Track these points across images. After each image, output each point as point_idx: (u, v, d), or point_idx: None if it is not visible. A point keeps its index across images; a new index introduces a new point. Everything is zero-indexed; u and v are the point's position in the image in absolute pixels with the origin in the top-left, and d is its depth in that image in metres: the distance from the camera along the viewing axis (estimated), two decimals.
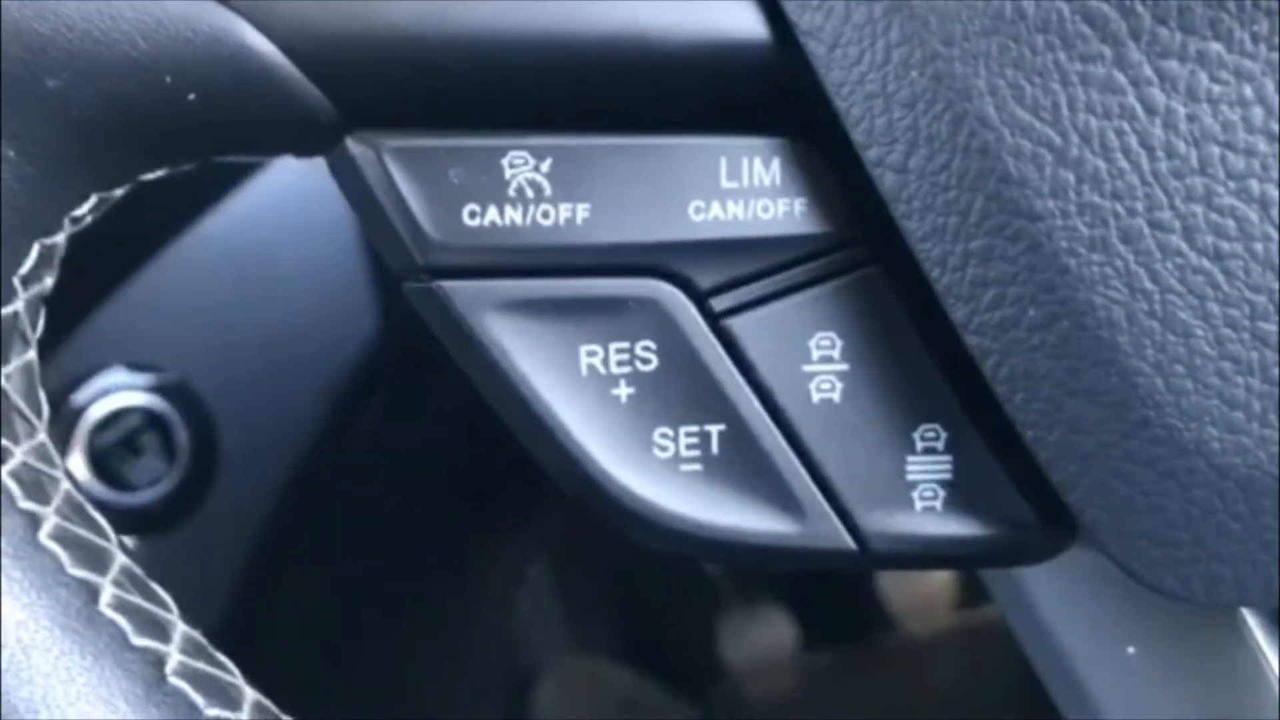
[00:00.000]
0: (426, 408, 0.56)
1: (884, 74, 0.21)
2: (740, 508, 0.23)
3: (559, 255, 0.22)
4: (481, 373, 0.22)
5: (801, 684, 0.70)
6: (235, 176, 0.52)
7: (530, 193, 0.22)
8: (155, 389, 0.52)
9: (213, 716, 0.21)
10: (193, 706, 0.20)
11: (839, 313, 0.23)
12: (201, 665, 0.21)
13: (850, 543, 0.23)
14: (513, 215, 0.22)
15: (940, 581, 0.70)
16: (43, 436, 0.22)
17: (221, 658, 0.22)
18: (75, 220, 0.22)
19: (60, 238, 0.22)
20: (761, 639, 0.70)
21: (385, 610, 0.59)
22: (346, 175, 0.22)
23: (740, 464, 0.23)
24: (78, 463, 0.50)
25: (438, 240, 0.22)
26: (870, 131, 0.21)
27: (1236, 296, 0.20)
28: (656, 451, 0.23)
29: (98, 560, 0.21)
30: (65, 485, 0.22)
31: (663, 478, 0.23)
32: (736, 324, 0.22)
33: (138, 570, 0.22)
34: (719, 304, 0.22)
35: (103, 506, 0.53)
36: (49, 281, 0.22)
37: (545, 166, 0.22)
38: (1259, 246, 0.20)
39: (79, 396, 0.51)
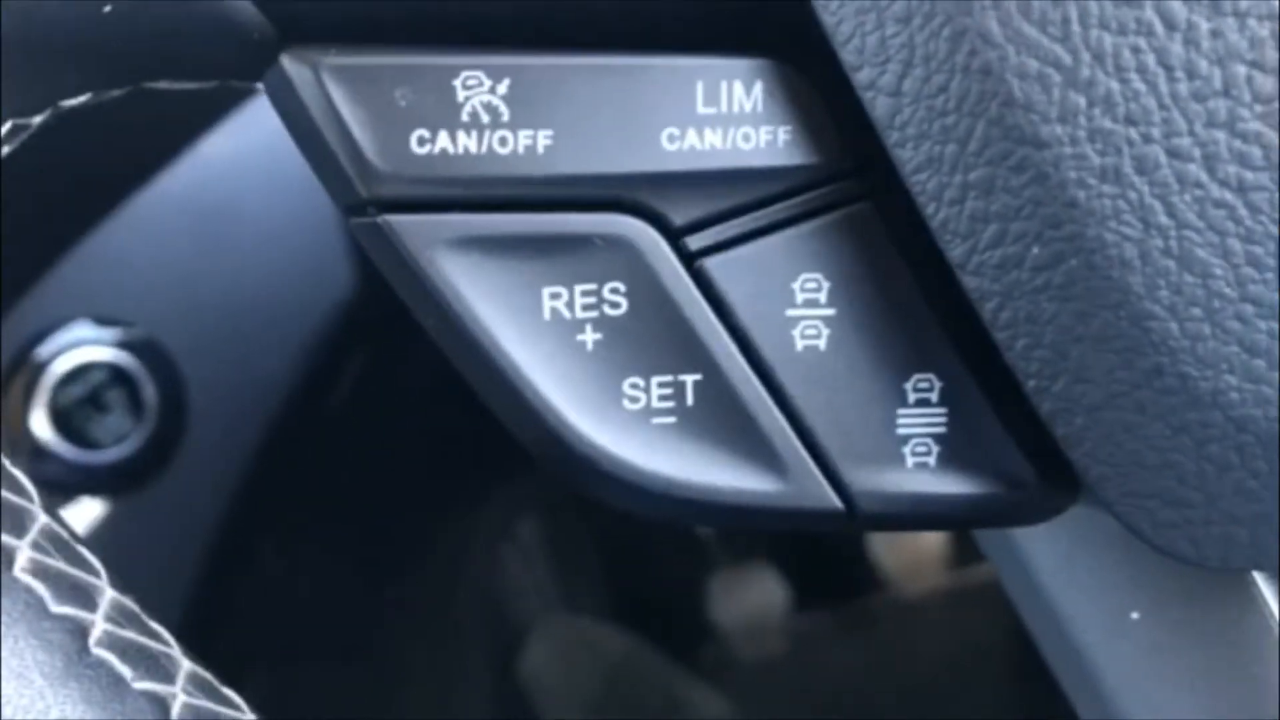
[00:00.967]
0: (407, 361, 0.55)
1: None
2: (717, 464, 0.22)
3: (518, 187, 0.21)
4: (434, 317, 0.21)
5: (792, 645, 0.71)
6: (200, 124, 0.52)
7: (486, 117, 0.20)
8: (122, 344, 0.51)
9: (142, 689, 0.20)
10: (118, 679, 0.19)
11: (826, 252, 0.22)
12: (131, 634, 0.20)
13: (836, 502, 0.22)
14: (466, 143, 0.20)
15: (933, 541, 0.71)
16: None
17: (155, 626, 0.21)
18: None
19: None
20: (752, 599, 0.71)
21: (364, 570, 0.59)
22: (283, 98, 0.20)
23: (717, 417, 0.22)
24: (40, 419, 0.49)
25: (384, 170, 0.20)
26: (861, 50, 0.20)
27: (1261, 232, 0.19)
28: (626, 403, 0.22)
29: (14, 522, 0.20)
30: None
31: (633, 432, 0.22)
32: (713, 264, 0.22)
33: (63, 532, 0.21)
34: (694, 242, 0.22)
35: (67, 465, 0.52)
36: None
37: (502, 88, 0.20)
38: None
39: (42, 350, 0.50)
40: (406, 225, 0.21)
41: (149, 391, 0.51)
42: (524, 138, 0.21)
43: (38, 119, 0.21)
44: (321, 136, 0.20)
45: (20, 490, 0.21)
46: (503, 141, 0.20)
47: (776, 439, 0.22)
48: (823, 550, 0.72)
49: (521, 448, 0.23)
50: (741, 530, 0.64)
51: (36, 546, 0.20)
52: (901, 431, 0.22)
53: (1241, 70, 0.18)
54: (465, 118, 0.20)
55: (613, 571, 0.72)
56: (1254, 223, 0.19)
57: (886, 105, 0.20)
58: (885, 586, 0.72)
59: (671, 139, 0.21)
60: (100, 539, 0.50)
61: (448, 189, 0.21)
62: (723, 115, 0.21)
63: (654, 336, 0.22)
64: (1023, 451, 0.22)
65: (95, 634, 0.19)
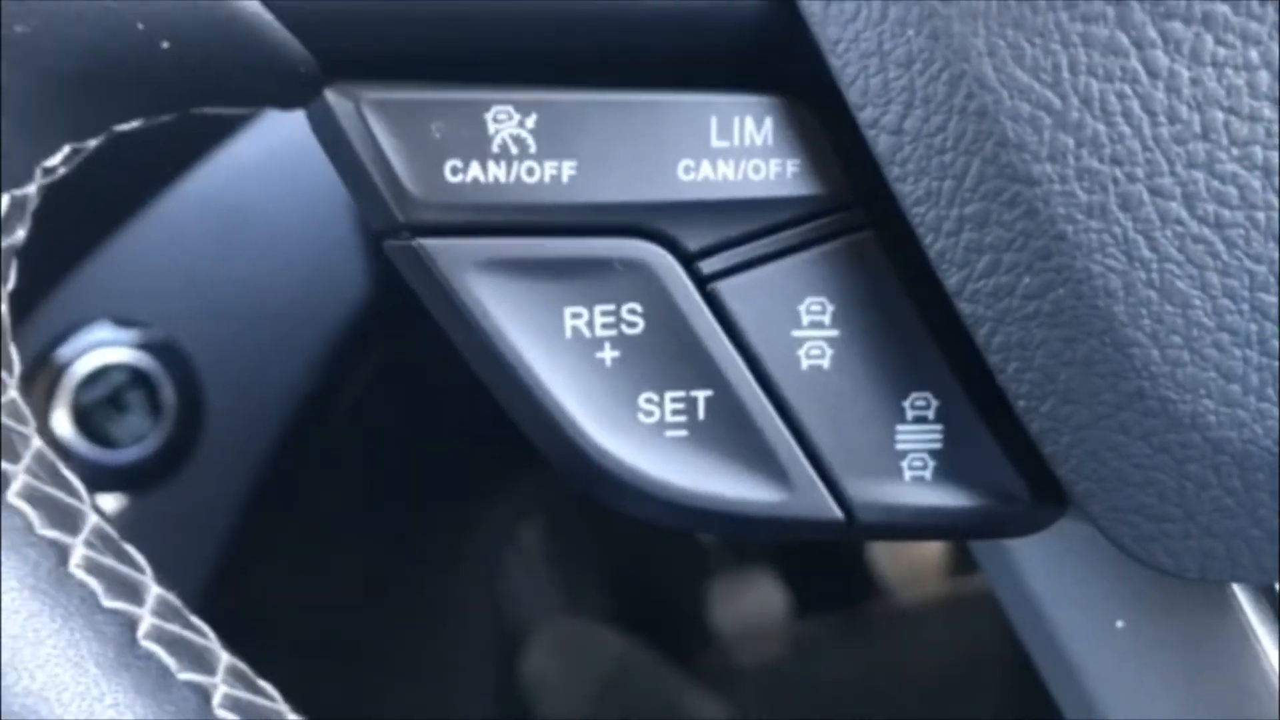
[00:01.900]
0: (416, 367, 0.55)
1: (880, 31, 0.20)
2: (726, 475, 0.23)
3: (544, 214, 0.22)
4: (463, 333, 0.22)
5: (792, 650, 0.70)
6: (221, 130, 0.52)
7: (514, 149, 0.21)
8: (141, 345, 0.51)
9: (186, 680, 0.21)
10: (165, 670, 0.20)
11: (830, 277, 0.22)
12: (175, 628, 0.21)
13: (837, 512, 0.23)
14: (496, 172, 0.21)
15: (932, 550, 0.71)
16: (13, 393, 0.21)
17: (197, 621, 0.22)
18: (48, 171, 0.22)
19: (32, 188, 0.21)
20: (753, 605, 0.71)
21: (372, 570, 0.59)
22: (325, 128, 0.21)
23: (727, 431, 0.23)
24: (62, 419, 0.50)
25: (419, 197, 0.21)
26: (865, 91, 0.21)
27: (1236, 266, 0.20)
28: (641, 417, 0.23)
29: (69, 520, 0.21)
30: (37, 443, 0.21)
31: (647, 444, 0.23)
32: (725, 287, 0.22)
33: (111, 531, 0.22)
34: (707, 266, 0.22)
35: (87, 463, 0.52)
36: (21, 233, 0.22)
37: (530, 122, 0.21)
38: (1261, 215, 0.20)
39: (63, 352, 0.50)
40: (439, 248, 0.21)
41: (167, 392, 0.51)
42: (549, 168, 0.21)
43: (93, 143, 0.22)
44: (361, 165, 0.21)
45: (72, 490, 0.22)
46: (530, 171, 0.21)
47: (782, 452, 0.23)
48: (824, 557, 0.71)
49: (525, 455, 0.24)
50: (747, 538, 0.64)
51: (89, 544, 0.21)
52: (900, 447, 0.23)
53: (1219, 116, 0.19)
54: (495, 149, 0.21)
55: (614, 576, 0.72)
56: (1230, 258, 0.20)
57: (889, 142, 0.21)
58: (884, 594, 0.72)
59: (687, 170, 0.22)
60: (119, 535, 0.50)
61: (478, 215, 0.21)
62: (735, 148, 0.22)
63: (668, 354, 0.22)
64: (1014, 467, 0.23)
65: (143, 627, 0.20)
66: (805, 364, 0.23)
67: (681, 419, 0.23)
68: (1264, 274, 0.20)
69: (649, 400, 0.23)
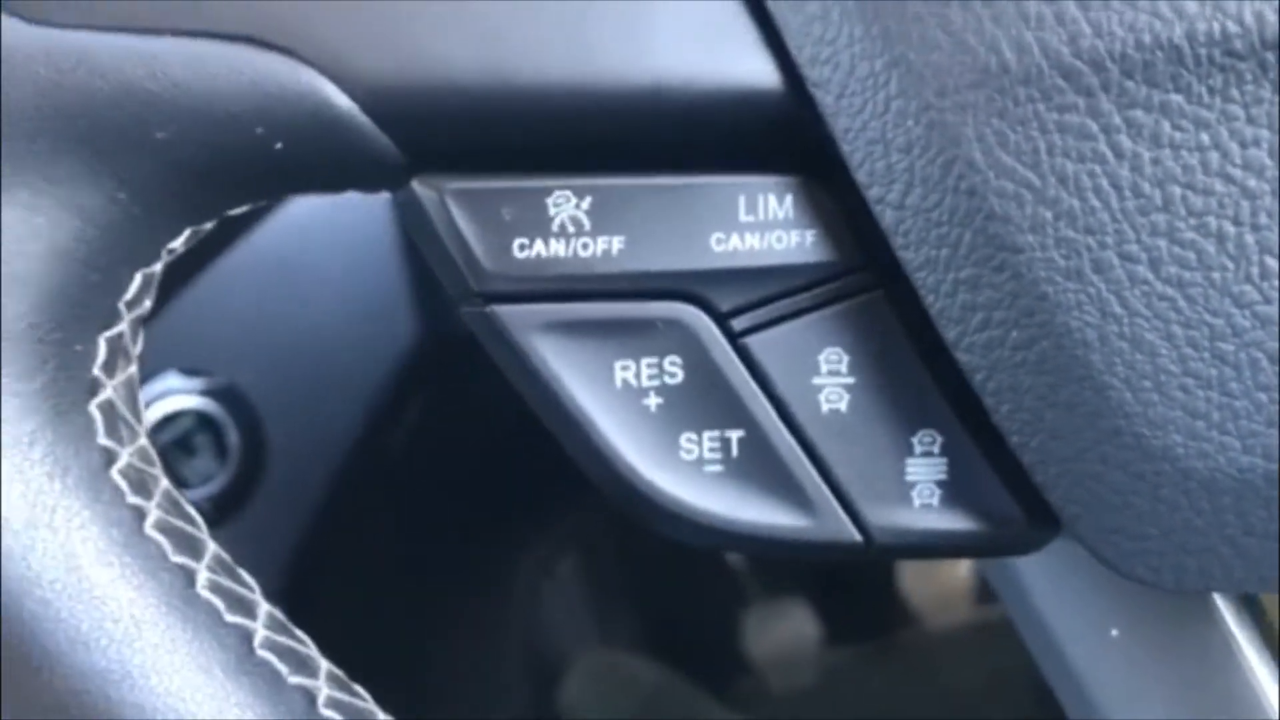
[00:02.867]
0: (460, 412, 0.57)
1: (884, 122, 0.22)
2: (758, 505, 0.24)
3: (597, 282, 0.24)
4: (528, 386, 0.24)
5: (824, 678, 0.70)
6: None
7: (572, 227, 0.23)
8: (207, 392, 0.53)
9: (295, 684, 0.23)
10: (277, 675, 0.23)
11: (846, 332, 0.24)
12: (283, 639, 0.24)
13: (856, 536, 0.25)
14: (557, 247, 0.23)
15: (959, 578, 0.70)
16: (144, 440, 0.24)
17: (300, 633, 0.24)
18: (170, 251, 0.24)
19: (158, 266, 0.24)
20: (784, 634, 0.70)
21: (418, 604, 0.59)
22: (412, 213, 0.24)
23: (758, 466, 0.24)
24: None
25: (491, 270, 0.23)
26: (872, 173, 0.22)
27: (1197, 319, 0.21)
28: (683, 454, 0.24)
29: (193, 548, 0.23)
30: (164, 482, 0.24)
31: (689, 478, 0.24)
32: (754, 342, 0.24)
33: (226, 557, 0.24)
34: (738, 324, 0.24)
35: None
36: (148, 304, 0.25)
37: (585, 204, 0.23)
38: (1216, 275, 0.21)
39: None
40: (508, 313, 0.24)
41: (232, 436, 0.53)
42: (602, 242, 0.23)
43: (209, 225, 0.24)
44: (442, 243, 0.23)
45: (193, 522, 0.24)
46: (585, 246, 0.23)
47: (806, 484, 0.24)
48: (853, 586, 0.70)
49: (565, 494, 0.26)
50: (778, 559, 0.63)
51: (210, 568, 0.23)
52: (909, 478, 0.24)
53: (1177, 190, 0.21)
54: (555, 228, 0.23)
55: (648, 608, 0.71)
56: (1191, 312, 0.22)
57: (893, 216, 0.22)
58: (914, 622, 0.71)
59: (719, 241, 0.23)
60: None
61: (541, 284, 0.23)
62: (760, 222, 0.23)
63: (705, 400, 0.24)
64: (1011, 494, 0.24)
65: (258, 639, 0.23)
66: (825, 407, 0.24)
67: (718, 456, 0.24)
68: (1221, 325, 0.22)
69: (689, 440, 0.24)
